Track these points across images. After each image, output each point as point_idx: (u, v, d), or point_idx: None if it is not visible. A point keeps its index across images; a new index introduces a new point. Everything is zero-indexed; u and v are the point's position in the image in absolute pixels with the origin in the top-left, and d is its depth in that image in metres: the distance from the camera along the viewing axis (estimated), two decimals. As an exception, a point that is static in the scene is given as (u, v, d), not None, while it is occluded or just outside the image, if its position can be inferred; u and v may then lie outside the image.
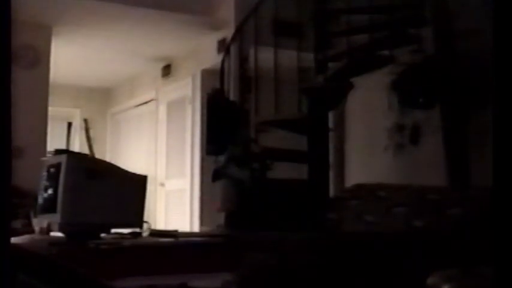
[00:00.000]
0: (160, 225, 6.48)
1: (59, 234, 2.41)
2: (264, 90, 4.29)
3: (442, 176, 3.41)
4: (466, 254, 2.12)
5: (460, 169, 3.40)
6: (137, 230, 2.59)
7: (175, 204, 6.60)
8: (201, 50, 5.98)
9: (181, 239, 2.53)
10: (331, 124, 4.36)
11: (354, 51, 3.79)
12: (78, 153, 3.73)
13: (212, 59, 5.51)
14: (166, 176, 6.84)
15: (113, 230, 2.54)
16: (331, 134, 4.21)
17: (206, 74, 5.87)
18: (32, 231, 2.61)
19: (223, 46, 5.10)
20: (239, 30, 4.56)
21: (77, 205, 2.28)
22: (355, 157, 4.83)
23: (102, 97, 8.38)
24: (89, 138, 6.80)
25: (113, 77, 7.75)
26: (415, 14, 3.61)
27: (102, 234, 2.47)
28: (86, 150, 6.65)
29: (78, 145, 7.68)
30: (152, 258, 2.18)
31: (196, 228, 5.78)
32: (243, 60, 4.69)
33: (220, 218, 3.75)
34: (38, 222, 2.53)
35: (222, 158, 3.82)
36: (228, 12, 5.29)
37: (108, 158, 7.40)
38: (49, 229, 2.40)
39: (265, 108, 4.30)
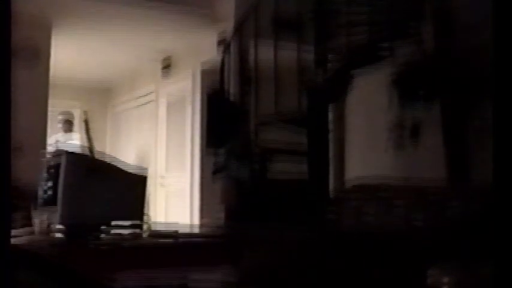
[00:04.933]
0: (160, 221, 6.49)
1: (59, 233, 2.41)
2: (264, 87, 4.29)
3: (442, 174, 3.40)
4: (466, 252, 2.12)
5: (460, 167, 3.40)
6: (137, 229, 2.59)
7: (175, 201, 6.61)
8: (201, 46, 5.97)
9: (181, 239, 2.53)
10: (331, 122, 4.35)
11: (353, 47, 3.78)
12: (78, 152, 3.73)
13: (212, 55, 5.50)
14: (166, 173, 6.84)
15: (113, 230, 2.54)
16: (331, 132, 4.21)
17: (206, 71, 5.86)
18: (32, 231, 2.61)
19: (223, 41, 5.09)
20: (239, 27, 4.55)
21: (76, 204, 2.27)
22: (355, 154, 4.82)
23: (102, 94, 8.37)
24: (88, 136, 6.79)
25: (113, 74, 7.74)
26: (415, 9, 3.60)
27: (102, 234, 2.47)
28: (85, 148, 6.64)
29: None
30: (152, 258, 2.18)
31: (196, 223, 5.79)
32: (243, 56, 4.68)
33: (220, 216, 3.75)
34: (38, 222, 2.52)
35: (221, 155, 3.82)
36: (228, 7, 5.28)
37: (108, 156, 7.39)
38: (49, 228, 2.40)
39: (265, 105, 4.30)
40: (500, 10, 1.43)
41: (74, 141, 6.87)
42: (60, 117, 7.01)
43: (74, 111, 8.02)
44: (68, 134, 6.94)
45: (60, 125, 7.00)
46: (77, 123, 7.50)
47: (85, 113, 6.98)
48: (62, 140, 6.75)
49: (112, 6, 5.21)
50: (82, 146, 6.81)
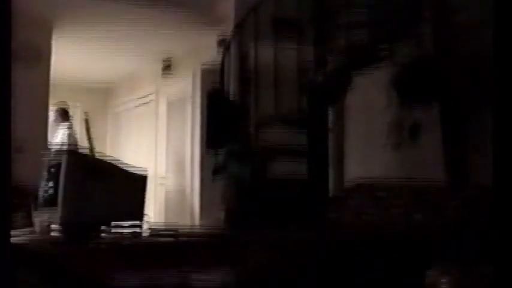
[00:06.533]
0: (160, 222, 6.49)
1: (59, 233, 2.41)
2: (264, 87, 4.29)
3: (442, 174, 3.41)
4: (466, 253, 2.13)
5: (460, 167, 3.40)
6: (137, 229, 2.59)
7: (174, 201, 6.61)
8: (201, 47, 5.98)
9: (181, 238, 2.53)
10: (330, 122, 4.36)
11: (353, 48, 3.79)
12: (79, 151, 3.72)
13: (212, 56, 5.51)
14: (166, 173, 6.84)
15: (113, 229, 2.54)
16: (330, 132, 4.22)
17: (206, 71, 5.87)
18: (32, 230, 2.61)
19: (223, 43, 5.10)
20: (239, 28, 4.56)
21: (77, 203, 2.28)
22: (354, 154, 4.82)
23: (102, 95, 8.38)
24: (89, 136, 6.78)
25: (113, 74, 7.76)
26: (414, 11, 3.61)
27: (103, 233, 2.47)
28: (86, 148, 6.63)
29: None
30: (152, 258, 2.19)
31: (195, 224, 5.79)
32: (242, 57, 4.69)
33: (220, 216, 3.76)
34: (38, 221, 2.53)
35: (221, 156, 3.83)
36: (228, 9, 5.29)
37: (108, 156, 7.40)
38: (49, 228, 2.41)
39: (265, 106, 4.30)
40: (501, 10, 1.44)
41: (65, 132, 6.47)
42: (52, 113, 6.30)
43: (74, 111, 8.01)
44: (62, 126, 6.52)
45: (53, 119, 6.34)
46: (75, 118, 7.39)
47: (86, 113, 6.94)
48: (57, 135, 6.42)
49: (112, 7, 5.23)
50: (70, 136, 6.50)
